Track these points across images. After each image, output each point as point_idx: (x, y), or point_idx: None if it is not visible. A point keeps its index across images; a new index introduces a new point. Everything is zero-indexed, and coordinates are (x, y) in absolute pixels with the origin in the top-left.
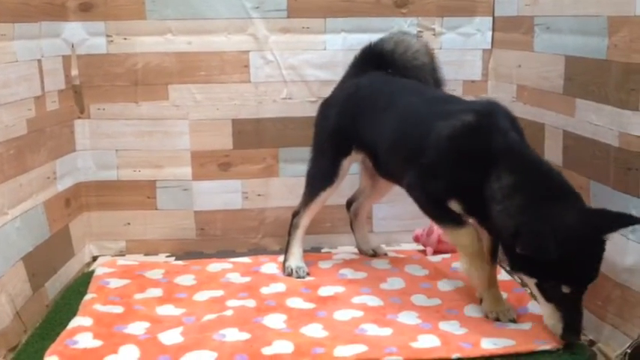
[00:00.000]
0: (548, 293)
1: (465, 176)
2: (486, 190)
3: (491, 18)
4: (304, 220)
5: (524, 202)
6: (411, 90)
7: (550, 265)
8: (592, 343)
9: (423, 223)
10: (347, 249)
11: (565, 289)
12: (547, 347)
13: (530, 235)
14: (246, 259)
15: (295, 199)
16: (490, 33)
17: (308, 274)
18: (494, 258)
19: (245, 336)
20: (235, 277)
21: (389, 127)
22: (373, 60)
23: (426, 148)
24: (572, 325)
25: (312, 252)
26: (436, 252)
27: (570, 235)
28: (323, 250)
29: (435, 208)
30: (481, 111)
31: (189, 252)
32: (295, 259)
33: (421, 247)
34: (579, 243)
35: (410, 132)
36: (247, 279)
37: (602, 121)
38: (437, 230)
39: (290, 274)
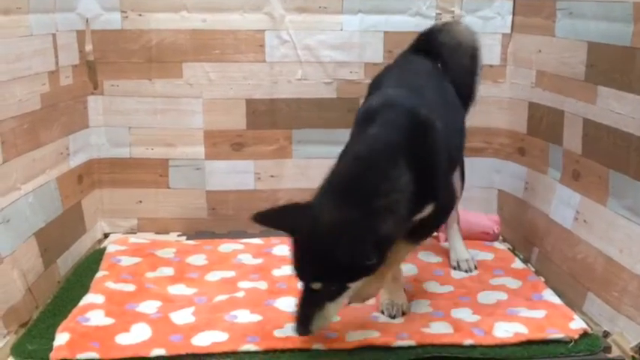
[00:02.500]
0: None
1: None
2: None
3: (511, 1)
4: None
5: None
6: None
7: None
8: (607, 334)
9: None
10: None
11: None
12: (560, 336)
13: None
14: (257, 241)
15: (308, 180)
16: (510, 17)
17: None
18: None
19: (257, 318)
20: (247, 259)
21: None
22: (423, 42)
23: None
24: (298, 317)
25: None
26: None
27: (302, 225)
28: None
29: None
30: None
31: (200, 231)
32: None
33: (434, 233)
34: (303, 236)
35: None
36: (259, 260)
37: (624, 110)
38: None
39: None
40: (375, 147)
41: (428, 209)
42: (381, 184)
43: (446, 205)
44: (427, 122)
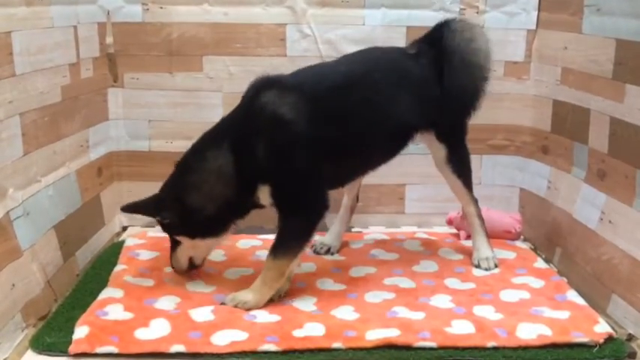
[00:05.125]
0: None
1: None
2: None
3: None
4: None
5: None
6: None
7: None
8: (631, 337)
9: (457, 206)
10: (378, 229)
11: None
12: (585, 340)
13: None
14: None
15: None
16: (536, 13)
17: (330, 252)
18: None
19: (275, 318)
20: (265, 255)
21: None
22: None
23: None
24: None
25: None
26: (469, 236)
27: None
28: (354, 230)
29: None
30: None
31: None
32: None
33: (454, 231)
34: None
35: None
36: None
37: None
38: None
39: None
40: (211, 129)
41: (263, 191)
42: (197, 162)
43: (287, 188)
44: (264, 108)
